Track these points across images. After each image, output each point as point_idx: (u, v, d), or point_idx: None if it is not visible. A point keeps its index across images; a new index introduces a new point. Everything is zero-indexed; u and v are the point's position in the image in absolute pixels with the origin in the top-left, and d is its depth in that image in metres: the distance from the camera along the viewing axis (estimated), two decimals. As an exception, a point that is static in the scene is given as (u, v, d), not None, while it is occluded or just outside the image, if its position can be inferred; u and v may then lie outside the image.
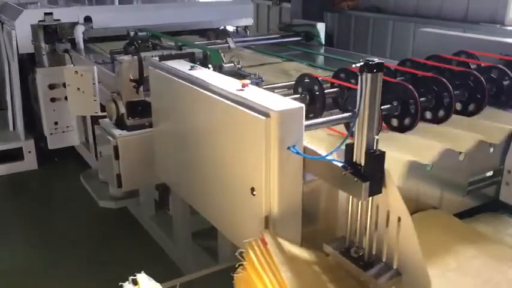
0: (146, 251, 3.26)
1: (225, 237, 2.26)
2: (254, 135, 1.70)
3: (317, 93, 2.27)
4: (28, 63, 4.44)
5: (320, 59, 3.98)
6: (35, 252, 3.47)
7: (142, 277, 1.75)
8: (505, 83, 2.36)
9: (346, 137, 1.57)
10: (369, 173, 1.51)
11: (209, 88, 1.96)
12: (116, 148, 2.59)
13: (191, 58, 2.49)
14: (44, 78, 4.30)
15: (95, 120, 3.20)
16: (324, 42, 4.40)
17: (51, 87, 4.35)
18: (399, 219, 1.55)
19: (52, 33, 4.26)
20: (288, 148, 1.66)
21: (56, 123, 4.46)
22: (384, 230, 1.61)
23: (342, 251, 1.70)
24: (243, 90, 1.85)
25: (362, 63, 1.43)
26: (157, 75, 2.39)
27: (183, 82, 2.13)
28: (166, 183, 2.58)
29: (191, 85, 2.07)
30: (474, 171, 2.30)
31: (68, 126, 4.53)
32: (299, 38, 4.45)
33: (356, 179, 1.51)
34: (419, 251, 1.51)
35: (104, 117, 2.87)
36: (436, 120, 2.22)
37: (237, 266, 1.65)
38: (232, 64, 2.56)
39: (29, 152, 4.54)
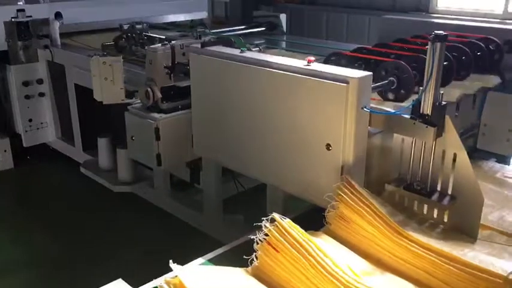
0: (171, 228, 3.49)
1: (274, 201, 2.64)
2: (334, 99, 2.09)
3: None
4: (-4, 62, 4.38)
5: (288, 45, 4.40)
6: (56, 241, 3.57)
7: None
8: (480, 53, 2.97)
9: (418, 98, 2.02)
10: (436, 120, 1.98)
11: (276, 66, 2.31)
12: (157, 130, 2.83)
13: (227, 44, 2.80)
14: (17, 75, 4.28)
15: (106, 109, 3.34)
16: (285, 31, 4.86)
17: (25, 84, 4.34)
18: (455, 155, 2.04)
19: (24, 30, 4.24)
20: (362, 108, 2.08)
21: (30, 120, 4.46)
22: (439, 166, 2.09)
23: (405, 186, 2.16)
24: (309, 65, 2.24)
25: (434, 35, 1.89)
26: (201, 60, 2.67)
27: (241, 64, 2.45)
28: (207, 157, 2.87)
29: (251, 65, 2.40)
30: (463, 125, 2.89)
31: (42, 123, 4.55)
32: (263, 29, 4.86)
33: (426, 126, 1.98)
34: (474, 175, 2.01)
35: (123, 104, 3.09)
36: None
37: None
38: (258, 48, 2.90)
39: (5, 151, 4.47)
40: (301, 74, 2.21)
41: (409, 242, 1.86)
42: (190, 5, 5.45)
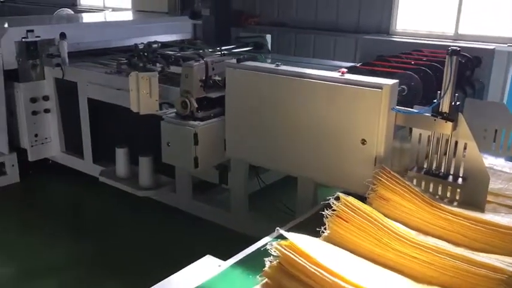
0: (199, 229, 3.77)
1: (305, 191, 3.08)
2: (370, 102, 2.58)
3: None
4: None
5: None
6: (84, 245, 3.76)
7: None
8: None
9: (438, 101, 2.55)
10: (452, 116, 2.51)
11: (316, 77, 2.77)
12: (195, 135, 3.19)
13: (255, 59, 3.24)
14: (26, 92, 4.48)
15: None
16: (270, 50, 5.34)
17: (33, 100, 4.54)
18: (466, 144, 2.57)
19: (33, 50, 4.45)
20: (392, 109, 2.59)
21: (36, 135, 4.64)
22: (452, 153, 2.62)
23: (425, 172, 2.67)
24: (343, 76, 2.72)
25: (451, 50, 2.43)
26: (237, 73, 3.08)
27: (281, 76, 2.89)
28: (239, 158, 3.27)
29: (292, 77, 2.85)
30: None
31: (46, 138, 4.74)
32: (250, 48, 5.32)
33: (446, 122, 2.51)
34: (481, 159, 2.55)
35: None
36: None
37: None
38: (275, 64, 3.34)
39: (12, 165, 4.60)
40: (339, 83, 2.69)
41: (442, 211, 2.35)
42: (178, 27, 5.86)
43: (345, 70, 2.75)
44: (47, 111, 4.64)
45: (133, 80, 3.34)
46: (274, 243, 1.94)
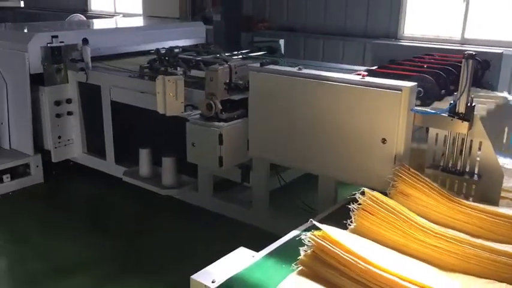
0: (220, 226, 3.90)
1: (325, 189, 3.23)
2: (390, 103, 2.74)
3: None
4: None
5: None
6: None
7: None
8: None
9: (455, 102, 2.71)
10: (468, 116, 2.67)
11: (339, 80, 2.93)
12: (220, 136, 3.35)
13: (275, 63, 3.41)
14: (51, 95, 4.64)
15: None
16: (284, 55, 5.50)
17: (57, 103, 4.70)
18: (480, 143, 2.73)
19: (57, 55, 4.62)
20: (411, 110, 2.75)
21: (59, 137, 4.80)
22: (467, 152, 2.78)
23: (442, 169, 2.83)
24: (364, 79, 2.88)
25: (468, 54, 2.59)
26: (261, 77, 3.25)
27: (305, 79, 3.05)
28: (262, 157, 3.43)
29: (316, 80, 3.01)
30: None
31: (68, 140, 4.90)
32: (264, 52, 5.48)
33: (462, 121, 2.66)
34: (495, 157, 2.71)
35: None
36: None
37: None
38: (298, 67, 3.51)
39: (37, 166, 4.76)
40: (360, 85, 2.85)
41: (460, 205, 2.50)
42: (193, 32, 6.05)
43: (366, 73, 2.92)
44: (69, 113, 4.80)
45: (160, 83, 3.51)
46: (308, 233, 2.10)
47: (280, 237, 2.48)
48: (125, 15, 9.58)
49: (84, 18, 9.12)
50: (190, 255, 3.69)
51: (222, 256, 2.30)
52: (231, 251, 2.36)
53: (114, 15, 9.74)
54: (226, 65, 3.45)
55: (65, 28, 5.39)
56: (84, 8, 10.68)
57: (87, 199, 4.76)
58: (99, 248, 3.82)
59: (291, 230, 2.52)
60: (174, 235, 4.01)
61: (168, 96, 3.51)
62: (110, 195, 4.69)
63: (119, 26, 6.17)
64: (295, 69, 3.15)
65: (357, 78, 2.89)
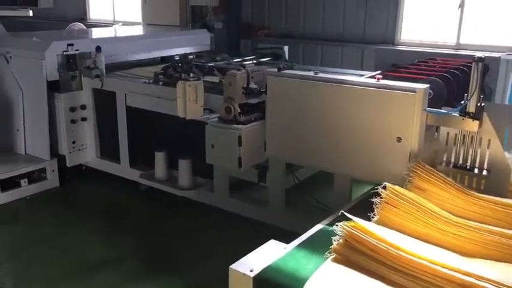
0: (238, 225, 4.05)
1: (341, 186, 3.41)
2: (405, 104, 2.93)
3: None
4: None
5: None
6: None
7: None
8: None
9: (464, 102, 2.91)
10: (478, 115, 2.86)
11: (355, 83, 3.11)
12: (239, 137, 3.51)
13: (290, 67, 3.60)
14: (66, 102, 4.78)
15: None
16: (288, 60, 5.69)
17: (72, 109, 4.84)
18: (489, 140, 2.93)
19: (72, 62, 4.76)
20: (424, 110, 2.94)
21: (73, 142, 4.93)
22: (477, 148, 2.97)
23: (453, 165, 3.02)
24: (379, 81, 3.07)
25: (477, 58, 2.79)
26: (278, 81, 3.42)
27: (322, 82, 3.23)
28: (279, 158, 3.59)
29: (333, 83, 3.19)
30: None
31: (82, 145, 5.03)
32: (270, 58, 5.67)
33: (473, 120, 2.86)
34: (504, 153, 2.90)
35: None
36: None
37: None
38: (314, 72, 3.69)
39: (53, 170, 4.88)
40: (376, 88, 3.04)
41: (474, 198, 2.69)
42: (198, 39, 6.24)
43: (380, 76, 3.10)
44: (83, 119, 4.94)
45: (180, 88, 3.67)
46: (340, 224, 2.27)
47: (298, 234, 2.61)
48: (124, 23, 9.71)
49: (84, 27, 9.23)
50: (207, 255, 3.84)
51: (241, 254, 2.40)
52: (250, 249, 2.46)
53: (113, 24, 9.87)
54: (244, 71, 3.61)
55: (80, 36, 5.53)
56: (83, 17, 10.78)
57: (103, 202, 4.90)
58: (119, 248, 3.95)
59: (308, 228, 2.66)
60: (191, 235, 4.15)
61: (188, 101, 3.67)
62: (125, 198, 4.83)
63: (132, 34, 6.30)
64: (311, 73, 3.33)
65: (373, 81, 3.08)
